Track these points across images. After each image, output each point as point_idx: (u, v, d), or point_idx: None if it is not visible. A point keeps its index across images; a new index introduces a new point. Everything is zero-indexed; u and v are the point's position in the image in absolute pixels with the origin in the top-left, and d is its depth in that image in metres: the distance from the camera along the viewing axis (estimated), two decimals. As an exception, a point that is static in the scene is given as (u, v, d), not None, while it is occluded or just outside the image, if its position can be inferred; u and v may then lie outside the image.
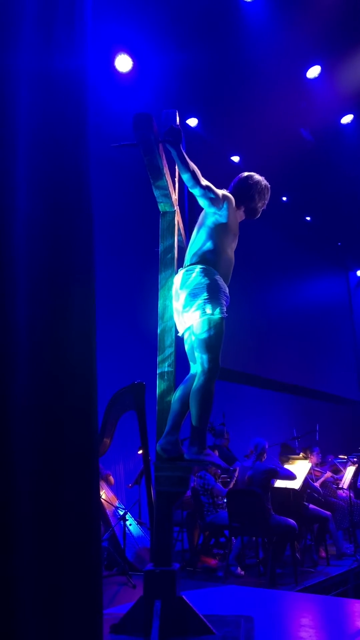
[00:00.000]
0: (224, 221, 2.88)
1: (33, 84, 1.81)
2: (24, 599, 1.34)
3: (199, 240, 2.91)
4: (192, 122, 7.60)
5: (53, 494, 1.45)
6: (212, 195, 2.80)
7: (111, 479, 5.58)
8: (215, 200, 2.82)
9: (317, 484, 5.97)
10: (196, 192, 2.79)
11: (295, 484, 5.20)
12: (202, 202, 2.85)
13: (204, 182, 2.77)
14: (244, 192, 3.04)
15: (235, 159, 8.46)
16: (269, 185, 3.14)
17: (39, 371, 1.55)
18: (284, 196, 9.88)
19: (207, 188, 2.77)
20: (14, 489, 1.36)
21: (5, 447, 1.39)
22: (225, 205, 2.87)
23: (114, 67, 6.35)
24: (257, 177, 3.10)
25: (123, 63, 6.36)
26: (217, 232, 2.88)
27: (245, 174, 3.11)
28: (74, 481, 1.49)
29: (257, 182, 3.08)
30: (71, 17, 1.98)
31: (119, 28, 5.95)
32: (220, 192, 2.88)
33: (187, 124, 7.54)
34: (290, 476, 4.98)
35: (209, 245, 2.86)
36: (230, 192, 3.00)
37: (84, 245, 1.83)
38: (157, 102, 6.41)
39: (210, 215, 2.89)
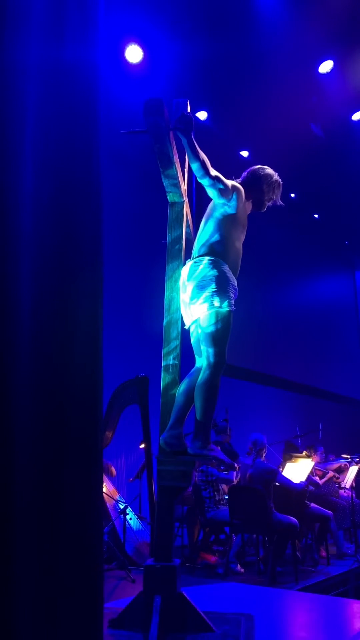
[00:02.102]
0: (233, 212, 2.83)
1: (43, 74, 1.77)
2: (23, 591, 1.30)
3: (207, 231, 2.87)
4: (202, 115, 7.53)
5: (54, 485, 1.42)
6: (221, 186, 2.75)
7: (113, 470, 5.55)
8: (224, 191, 2.77)
9: (320, 482, 5.92)
10: (205, 182, 2.74)
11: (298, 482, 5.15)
12: (210, 192, 2.80)
13: (214, 172, 2.73)
14: (253, 183, 3.00)
15: (245, 153, 8.39)
16: (281, 181, 3.09)
17: (42, 359, 1.52)
18: (292, 193, 9.80)
19: (216, 178, 2.73)
20: (14, 479, 1.33)
21: (6, 436, 1.36)
22: (234, 196, 2.82)
23: (124, 57, 6.29)
24: (269, 170, 3.06)
25: (133, 54, 6.29)
26: (226, 223, 2.84)
27: (258, 166, 3.08)
28: (76, 472, 1.46)
29: (268, 175, 3.03)
30: (83, 7, 1.94)
31: (130, 18, 5.88)
32: (230, 182, 2.83)
33: (197, 117, 7.47)
34: (291, 485, 4.92)
35: (217, 236, 2.82)
36: (240, 183, 2.96)
37: (91, 233, 1.79)
38: (167, 94, 6.34)
39: (219, 207, 2.85)
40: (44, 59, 1.78)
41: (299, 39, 6.39)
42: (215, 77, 6.87)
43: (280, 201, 3.11)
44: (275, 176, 3.06)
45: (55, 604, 1.33)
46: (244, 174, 3.05)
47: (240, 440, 6.78)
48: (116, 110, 5.48)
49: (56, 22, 1.84)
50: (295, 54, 6.61)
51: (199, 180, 2.76)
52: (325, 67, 6.87)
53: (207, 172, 2.67)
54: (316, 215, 10.96)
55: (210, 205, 2.92)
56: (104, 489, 5.08)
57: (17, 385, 1.45)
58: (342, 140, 8.17)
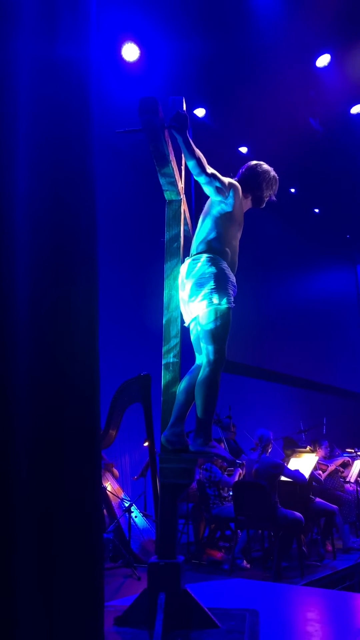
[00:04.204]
0: (230, 209, 2.84)
1: (35, 70, 1.78)
2: (22, 589, 1.31)
3: (204, 229, 2.88)
4: (200, 112, 7.51)
5: (53, 482, 1.42)
6: (218, 184, 2.76)
7: (115, 471, 5.56)
8: (221, 189, 2.78)
9: (322, 476, 5.92)
10: (202, 180, 2.75)
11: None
12: (207, 190, 2.81)
13: (210, 169, 2.73)
14: (251, 180, 3.00)
15: (243, 149, 8.36)
16: (277, 177, 3.10)
17: (39, 355, 1.53)
18: (292, 188, 9.77)
19: (212, 176, 2.73)
20: (13, 476, 1.34)
21: (5, 432, 1.36)
22: (231, 194, 2.83)
23: (120, 56, 6.27)
24: (265, 166, 3.06)
25: (130, 52, 6.28)
26: (223, 220, 2.84)
27: (254, 162, 3.08)
28: (74, 468, 1.46)
29: (266, 171, 3.04)
30: (75, 3, 1.95)
31: (126, 16, 5.87)
32: (227, 180, 2.84)
33: (195, 114, 7.45)
34: (297, 477, 4.93)
35: (214, 234, 2.82)
36: (237, 180, 2.96)
37: (86, 229, 1.80)
38: (164, 91, 6.32)
39: (216, 204, 2.86)
40: (36, 55, 1.78)
41: (295, 33, 6.36)
42: (213, 74, 6.85)
43: (274, 197, 3.10)
44: (272, 172, 3.07)
45: (55, 601, 1.33)
46: (241, 170, 3.05)
47: (244, 436, 6.79)
48: (114, 108, 5.48)
49: (48, 18, 1.84)
50: (292, 48, 6.57)
51: (196, 178, 2.76)
52: (323, 61, 6.84)
53: (203, 170, 2.68)
54: (317, 210, 10.92)
55: (208, 203, 2.92)
56: (109, 488, 5.09)
57: (15, 382, 1.46)
58: (341, 133, 8.14)
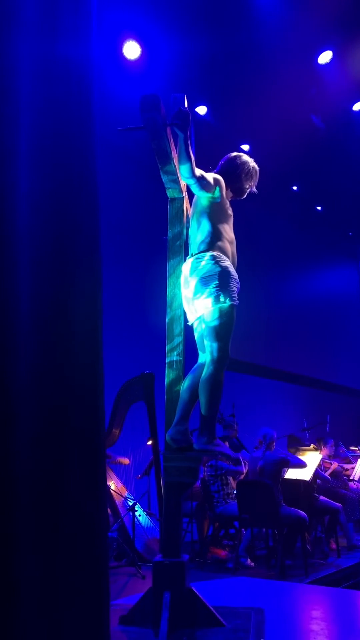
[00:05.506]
0: (219, 201, 2.88)
1: (36, 69, 1.77)
2: (27, 589, 1.31)
3: (203, 228, 2.88)
4: (201, 110, 7.50)
5: (57, 482, 1.42)
6: (205, 182, 2.81)
7: (125, 460, 5.56)
8: (207, 186, 2.82)
9: (326, 474, 5.92)
10: (191, 182, 2.80)
11: (306, 475, 5.16)
12: (195, 189, 2.85)
13: (198, 171, 2.78)
14: (231, 172, 3.05)
15: (245, 147, 8.34)
16: (258, 168, 3.11)
17: (43, 356, 1.52)
18: (295, 185, 9.75)
19: (201, 177, 2.79)
20: (16, 476, 1.33)
21: (7, 434, 1.36)
22: (217, 189, 2.88)
23: (122, 54, 6.26)
24: (245, 157, 3.09)
25: (131, 50, 6.27)
26: (216, 215, 2.88)
27: (234, 153, 3.12)
28: (79, 468, 1.46)
29: (245, 163, 3.06)
30: (75, 1, 1.94)
31: (127, 14, 5.86)
32: (210, 176, 2.89)
33: (197, 112, 7.44)
34: (301, 464, 4.95)
35: (213, 231, 2.85)
36: (218, 171, 3.00)
37: (88, 229, 1.79)
38: (166, 89, 6.29)
39: (205, 202, 2.90)
40: (37, 54, 1.77)
41: (297, 29, 6.33)
42: (214, 71, 6.83)
43: (255, 189, 3.12)
44: (252, 163, 3.10)
45: (60, 601, 1.33)
46: (221, 162, 3.09)
47: (248, 434, 6.78)
48: (116, 106, 5.46)
49: (49, 17, 1.83)
50: (294, 45, 6.55)
51: (185, 180, 2.82)
52: (325, 57, 6.81)
53: (193, 174, 2.73)
54: (319, 208, 10.89)
55: (196, 203, 2.95)
56: (112, 487, 5.09)
57: (17, 382, 1.45)
58: (343, 131, 8.11)
